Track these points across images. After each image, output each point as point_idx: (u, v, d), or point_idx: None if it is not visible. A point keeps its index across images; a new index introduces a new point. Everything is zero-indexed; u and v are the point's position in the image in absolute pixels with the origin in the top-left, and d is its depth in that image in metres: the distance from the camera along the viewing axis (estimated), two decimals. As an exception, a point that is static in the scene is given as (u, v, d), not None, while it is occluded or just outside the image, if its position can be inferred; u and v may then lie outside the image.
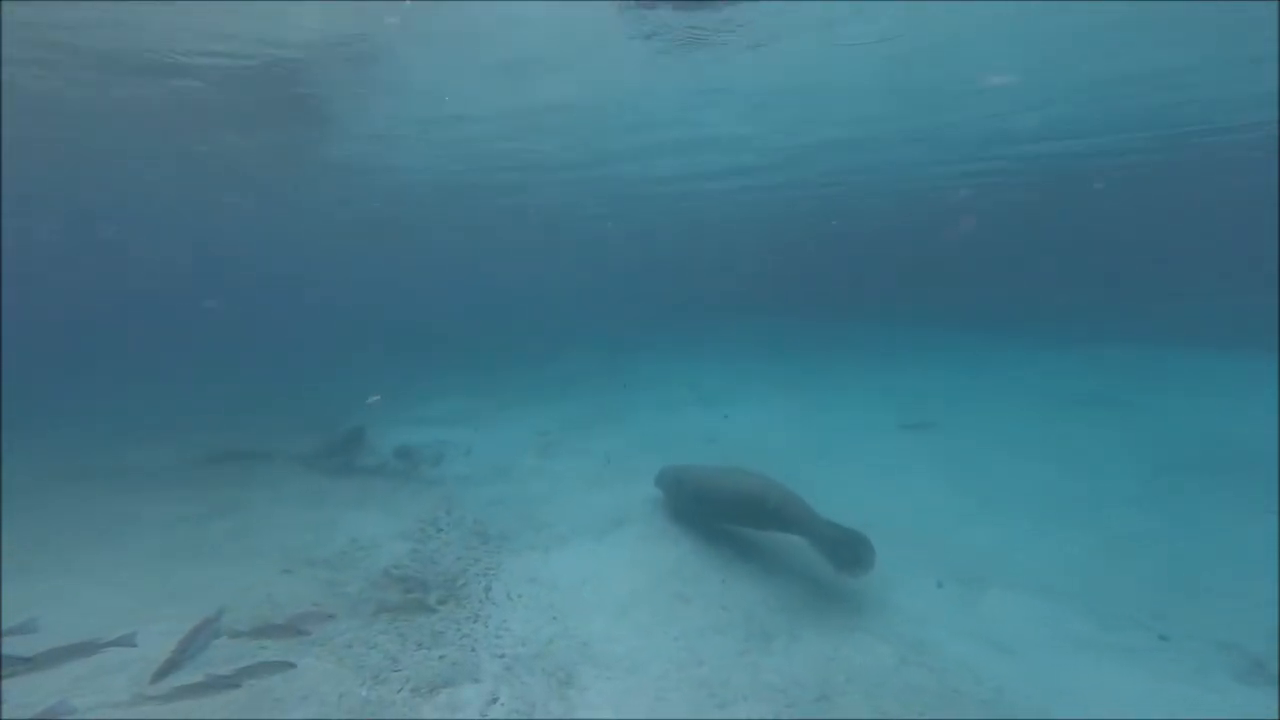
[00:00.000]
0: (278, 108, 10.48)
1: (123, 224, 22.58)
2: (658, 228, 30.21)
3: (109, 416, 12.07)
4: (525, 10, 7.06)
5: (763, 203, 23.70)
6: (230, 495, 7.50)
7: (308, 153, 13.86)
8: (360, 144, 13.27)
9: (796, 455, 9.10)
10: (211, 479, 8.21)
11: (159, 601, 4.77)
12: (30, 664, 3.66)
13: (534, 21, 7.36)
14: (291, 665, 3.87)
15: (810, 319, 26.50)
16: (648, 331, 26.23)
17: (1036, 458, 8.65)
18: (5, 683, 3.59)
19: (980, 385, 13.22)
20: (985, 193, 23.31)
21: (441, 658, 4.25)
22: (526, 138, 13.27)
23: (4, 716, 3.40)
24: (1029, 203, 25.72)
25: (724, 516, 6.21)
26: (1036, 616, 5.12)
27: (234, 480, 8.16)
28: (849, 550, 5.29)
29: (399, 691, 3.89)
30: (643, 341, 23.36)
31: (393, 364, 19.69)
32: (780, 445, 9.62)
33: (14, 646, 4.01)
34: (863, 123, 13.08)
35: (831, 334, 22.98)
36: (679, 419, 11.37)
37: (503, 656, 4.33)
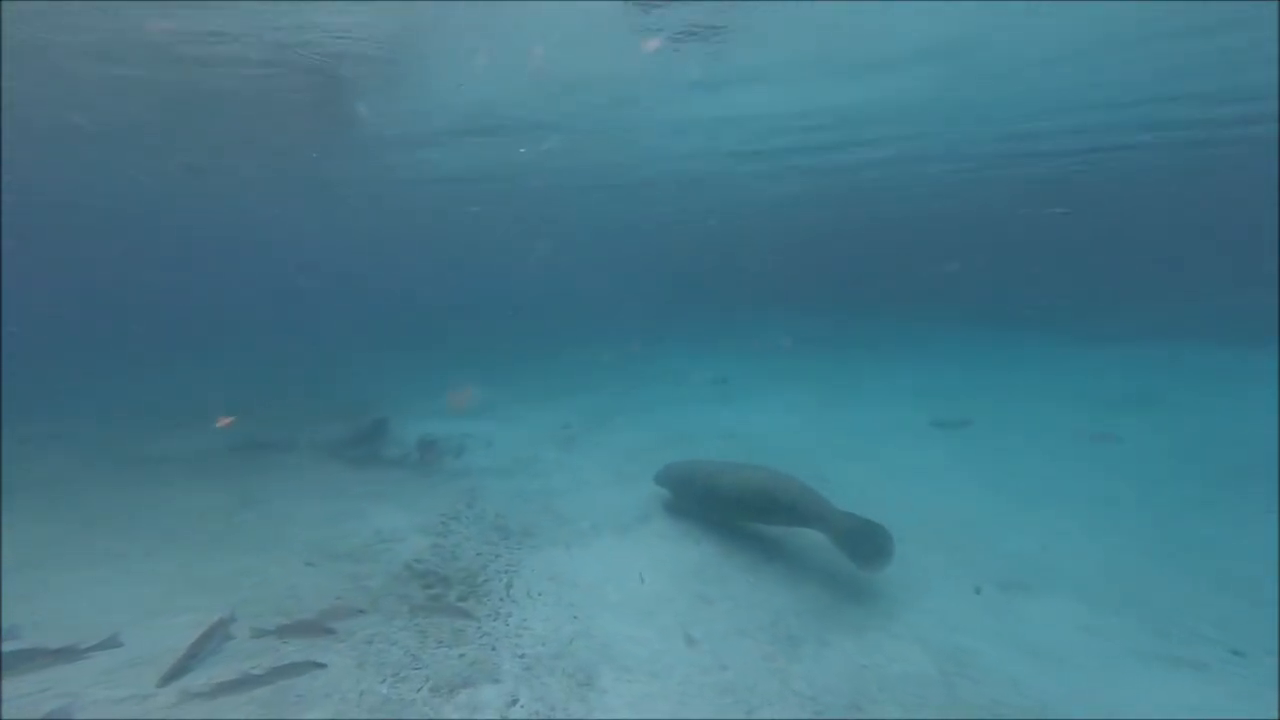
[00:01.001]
0: (311, 102, 10.47)
1: (156, 217, 23.18)
2: (680, 220, 29.78)
3: (143, 405, 12.40)
4: (541, 8, 6.91)
5: (790, 193, 23.07)
6: (257, 485, 7.61)
7: (338, 146, 13.90)
8: (389, 136, 13.23)
9: (823, 453, 8.85)
10: (240, 468, 8.34)
11: (185, 592, 4.82)
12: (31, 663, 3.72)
13: (550, 14, 7.19)
14: (322, 666, 3.84)
15: (836, 314, 25.96)
16: (668, 325, 26.02)
17: (1080, 459, 8.24)
18: (26, 677, 3.64)
19: (1017, 383, 12.71)
20: (1024, 187, 22.33)
21: (462, 656, 4.19)
22: (550, 127, 13.06)
23: (7, 716, 3.43)
24: (1070, 197, 24.59)
25: (737, 513, 6.06)
26: (1084, 625, 4.84)
27: (261, 469, 8.29)
28: (868, 542, 5.18)
29: (419, 690, 3.84)
30: (663, 335, 23.17)
31: (416, 355, 19.91)
32: (806, 443, 9.37)
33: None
34: (903, 113, 12.53)
35: (858, 329, 22.49)
36: (699, 414, 11.20)
37: (523, 656, 4.25)
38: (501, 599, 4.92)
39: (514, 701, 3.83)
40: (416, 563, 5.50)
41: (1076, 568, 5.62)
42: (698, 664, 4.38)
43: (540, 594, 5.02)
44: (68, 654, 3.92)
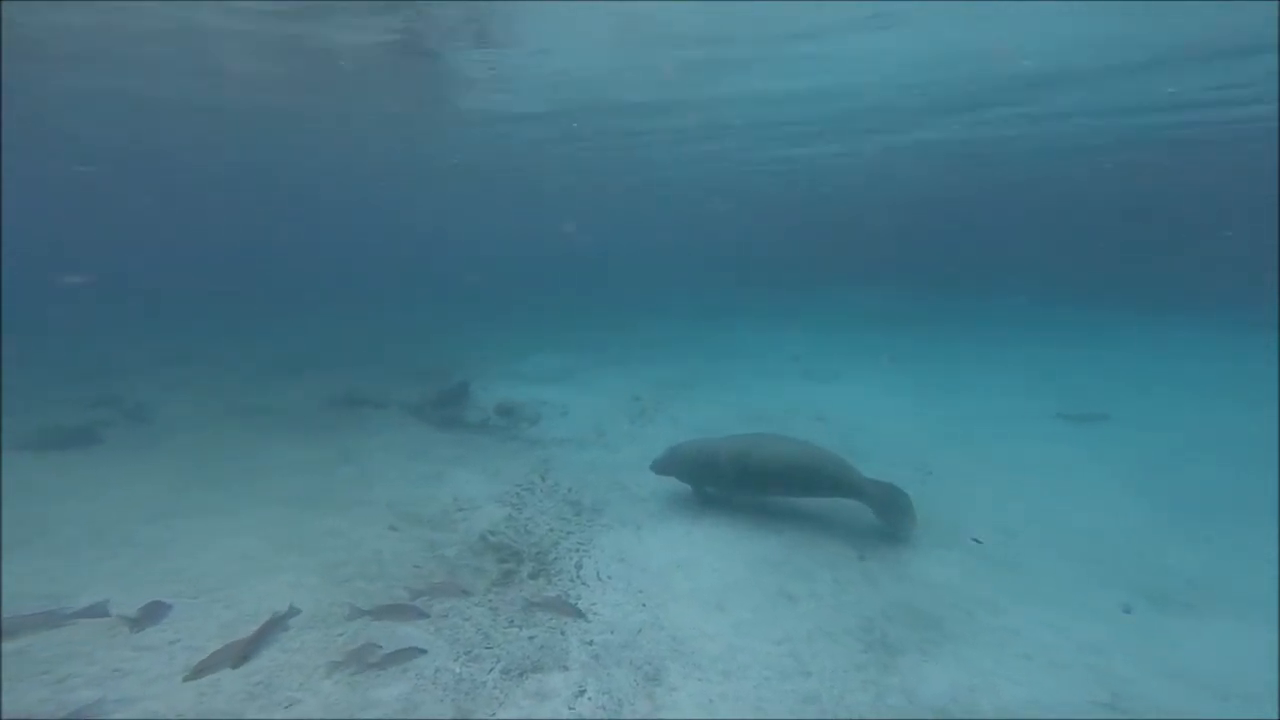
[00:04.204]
0: (403, 68, 10.54)
1: (266, 185, 25.25)
2: (765, 188, 27.70)
3: (258, 358, 13.60)
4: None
5: (889, 159, 20.53)
6: (351, 442, 8.09)
7: (427, 112, 14.07)
8: (477, 101, 13.14)
9: (927, 442, 7.94)
10: (336, 423, 8.92)
11: (284, 550, 5.15)
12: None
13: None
14: (423, 651, 3.88)
15: (944, 292, 23.41)
16: (749, 297, 24.87)
17: (1259, 465, 6.73)
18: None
19: (1165, 372, 10.73)
20: (1168, 146, 18.17)
21: (531, 639, 4.13)
22: (639, 92, 12.32)
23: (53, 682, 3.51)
24: (1225, 160, 19.73)
25: (777, 488, 5.65)
26: None
27: (355, 426, 8.81)
28: (895, 505, 5.44)
29: (490, 671, 3.82)
30: (743, 307, 22.17)
31: (496, 319, 20.53)
32: (906, 429, 8.46)
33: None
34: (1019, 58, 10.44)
35: (970, 309, 20.17)
36: (781, 392, 10.51)
37: (591, 644, 4.11)
38: (572, 580, 4.82)
39: (581, 692, 3.70)
40: (491, 534, 5.54)
41: (1268, 590, 4.55)
42: (777, 666, 4.02)
43: (609, 577, 4.86)
44: (52, 618, 4.05)
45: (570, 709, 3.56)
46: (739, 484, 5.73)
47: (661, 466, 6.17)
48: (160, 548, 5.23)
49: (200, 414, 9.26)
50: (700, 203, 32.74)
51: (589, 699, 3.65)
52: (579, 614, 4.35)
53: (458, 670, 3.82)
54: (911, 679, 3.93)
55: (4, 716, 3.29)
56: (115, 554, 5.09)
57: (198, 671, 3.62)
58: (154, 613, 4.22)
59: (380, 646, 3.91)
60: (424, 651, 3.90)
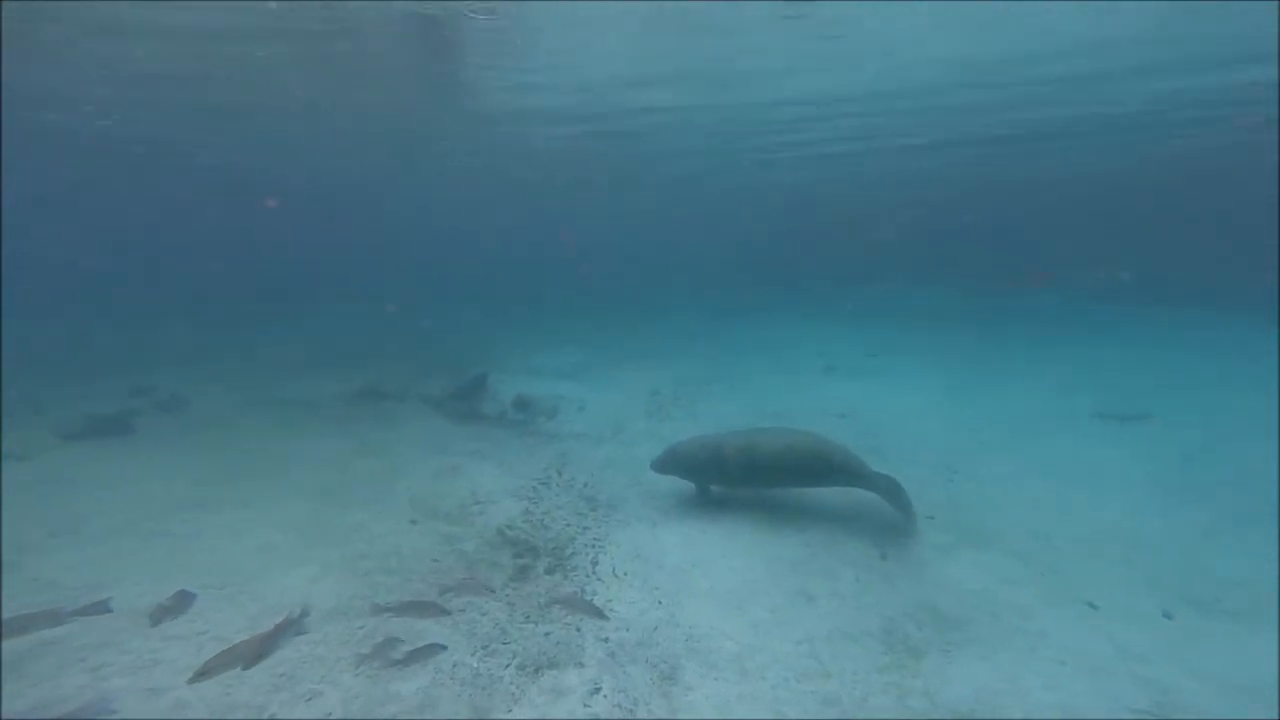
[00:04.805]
0: (418, 61, 10.56)
1: (291, 187, 25.66)
2: (788, 183, 27.17)
3: (284, 354, 13.95)
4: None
5: (917, 153, 19.92)
6: (373, 435, 8.22)
7: (444, 105, 14.10)
8: (494, 96, 13.13)
9: (955, 442, 7.71)
10: (359, 416, 9.08)
11: (309, 544, 5.25)
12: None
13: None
14: (443, 648, 3.91)
15: (963, 285, 22.76)
16: (770, 294, 24.54)
17: None
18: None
19: (1211, 371, 10.23)
20: (1211, 135, 17.23)
21: (547, 635, 4.13)
22: (654, 87, 12.15)
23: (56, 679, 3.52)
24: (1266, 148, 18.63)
25: (783, 478, 5.60)
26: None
27: (377, 419, 8.96)
28: (901, 495, 5.43)
29: (507, 667, 3.83)
30: (765, 303, 21.89)
31: (513, 314, 20.67)
32: (934, 430, 8.22)
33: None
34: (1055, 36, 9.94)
35: (999, 305, 19.56)
36: (802, 389, 10.33)
37: (606, 641, 4.10)
38: (588, 576, 4.81)
39: (597, 690, 3.69)
40: (508, 528, 5.56)
41: (1311, 599, 4.33)
42: (796, 667, 3.96)
43: (626, 574, 4.84)
44: (53, 616, 4.07)
45: (585, 706, 3.56)
46: (746, 478, 5.60)
47: (662, 465, 5.98)
48: (190, 539, 5.38)
49: (228, 406, 9.53)
50: (720, 198, 32.34)
51: (604, 697, 3.64)
52: (595, 611, 4.34)
53: (475, 665, 3.85)
54: (935, 681, 3.83)
55: (35, 706, 3.39)
56: (147, 546, 5.25)
57: (202, 673, 3.62)
58: (181, 603, 4.34)
59: (402, 641, 3.96)
60: (444, 648, 3.93)
